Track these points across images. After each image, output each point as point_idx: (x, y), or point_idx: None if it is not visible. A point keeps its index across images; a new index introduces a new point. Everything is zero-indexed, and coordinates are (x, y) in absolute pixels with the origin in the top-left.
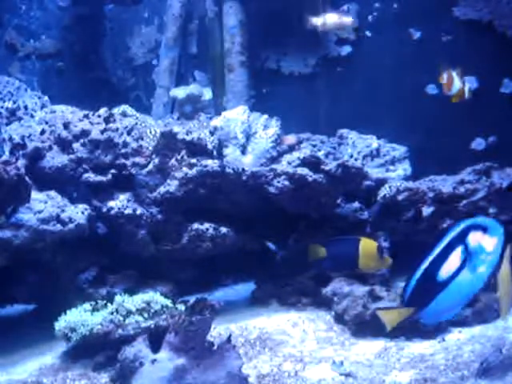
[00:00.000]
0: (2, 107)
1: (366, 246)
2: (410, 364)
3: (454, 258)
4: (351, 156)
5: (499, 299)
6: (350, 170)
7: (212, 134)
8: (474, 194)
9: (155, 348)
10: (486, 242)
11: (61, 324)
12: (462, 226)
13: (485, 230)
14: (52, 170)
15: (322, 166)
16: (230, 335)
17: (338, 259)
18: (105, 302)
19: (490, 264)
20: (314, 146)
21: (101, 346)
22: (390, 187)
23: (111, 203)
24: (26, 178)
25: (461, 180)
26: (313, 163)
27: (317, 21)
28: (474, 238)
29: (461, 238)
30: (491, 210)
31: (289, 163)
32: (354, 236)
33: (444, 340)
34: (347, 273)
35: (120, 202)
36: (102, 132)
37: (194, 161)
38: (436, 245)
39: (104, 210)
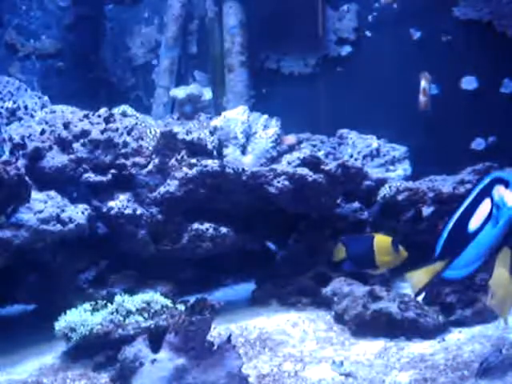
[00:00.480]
0: (2, 107)
1: (380, 241)
2: (410, 364)
3: (483, 210)
4: (351, 156)
5: (494, 304)
6: (349, 170)
7: (212, 134)
8: None
9: (155, 348)
10: (508, 196)
11: (61, 324)
12: (489, 179)
13: (507, 184)
14: (52, 170)
15: (322, 166)
16: (230, 335)
17: (357, 259)
18: (105, 302)
19: (506, 218)
20: (314, 146)
21: (101, 346)
22: (389, 187)
23: (111, 203)
24: (26, 178)
25: (461, 180)
26: (313, 163)
27: None
28: (498, 192)
29: (487, 191)
30: None
31: (289, 163)
32: (368, 234)
33: (444, 340)
34: (347, 272)
35: (120, 202)
36: (102, 132)
37: (194, 161)
38: (466, 197)
39: (104, 210)
